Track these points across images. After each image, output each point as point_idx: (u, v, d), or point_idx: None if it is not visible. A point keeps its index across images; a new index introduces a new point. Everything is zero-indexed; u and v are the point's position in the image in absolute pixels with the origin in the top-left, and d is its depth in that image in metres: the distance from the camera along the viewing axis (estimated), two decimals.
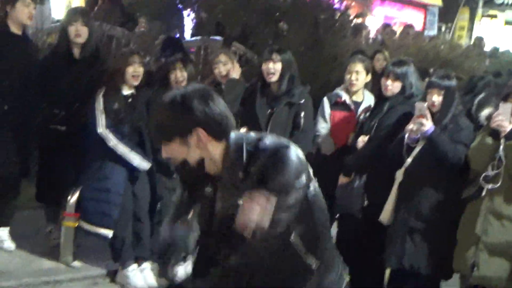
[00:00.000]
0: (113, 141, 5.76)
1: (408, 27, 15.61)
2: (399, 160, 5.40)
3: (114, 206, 5.77)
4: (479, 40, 18.17)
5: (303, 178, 2.64)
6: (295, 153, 2.65)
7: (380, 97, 5.94)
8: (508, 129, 4.99)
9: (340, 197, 6.14)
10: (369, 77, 6.62)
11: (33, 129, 6.08)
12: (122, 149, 5.78)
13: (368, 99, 6.52)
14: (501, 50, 19.18)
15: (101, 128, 5.76)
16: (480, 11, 27.04)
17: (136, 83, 5.94)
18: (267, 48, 6.50)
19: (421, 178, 5.29)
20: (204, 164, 2.75)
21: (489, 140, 5.09)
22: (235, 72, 6.44)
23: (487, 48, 17.64)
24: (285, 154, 2.61)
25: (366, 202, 5.84)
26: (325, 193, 2.90)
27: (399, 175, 5.39)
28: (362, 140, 5.87)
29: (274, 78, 6.15)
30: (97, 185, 5.80)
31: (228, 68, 6.46)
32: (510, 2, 26.25)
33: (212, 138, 2.67)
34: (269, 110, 6.16)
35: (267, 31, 8.33)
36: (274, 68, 6.14)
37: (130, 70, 5.89)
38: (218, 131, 2.68)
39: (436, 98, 5.36)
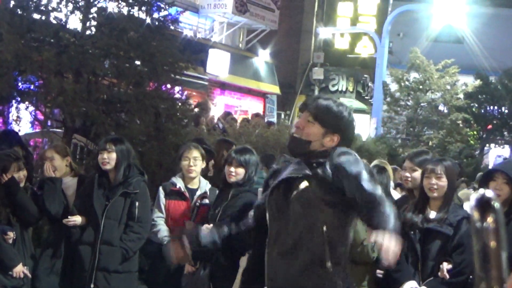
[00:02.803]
0: None
1: (256, 116, 16.02)
2: (243, 247, 5.49)
3: None
4: None
5: None
6: None
7: (224, 185, 6.08)
8: None
9: (186, 286, 6.17)
10: (204, 164, 6.80)
11: None
12: None
13: (203, 186, 6.68)
14: None
15: None
16: None
17: None
18: (102, 139, 6.62)
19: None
20: None
21: None
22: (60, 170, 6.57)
23: None
24: None
25: None
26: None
27: (242, 262, 5.48)
28: (206, 227, 5.93)
29: (109, 167, 6.28)
30: None
31: (56, 164, 6.54)
32: (342, 89, 27.53)
33: None
34: (105, 201, 6.28)
35: (109, 121, 8.32)
36: (108, 157, 6.27)
37: None
38: None
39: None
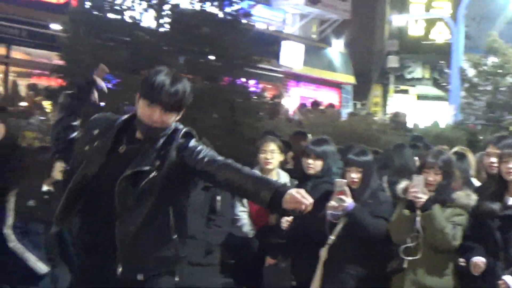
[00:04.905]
0: (12, 241, 5.81)
1: (326, 106, 15.94)
2: (323, 237, 5.48)
3: None
4: (397, 115, 18.70)
5: None
6: None
7: (303, 177, 6.04)
8: (423, 200, 5.14)
9: (267, 278, 6.16)
10: (282, 156, 6.71)
11: None
12: (19, 249, 5.81)
13: (282, 178, 6.56)
14: (416, 122, 19.74)
15: (6, 228, 5.81)
16: (392, 87, 27.77)
17: None
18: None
19: (345, 255, 5.36)
20: None
21: (406, 212, 5.22)
22: None
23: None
24: None
25: (293, 283, 5.88)
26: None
27: (323, 253, 5.44)
28: (286, 220, 5.92)
29: None
30: None
31: None
32: (418, 76, 27.14)
33: None
34: None
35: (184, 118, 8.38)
36: None
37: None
38: None
39: (355, 175, 5.48)
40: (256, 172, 4.24)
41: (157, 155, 3.68)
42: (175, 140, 3.71)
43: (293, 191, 3.47)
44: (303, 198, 3.44)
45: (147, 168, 3.66)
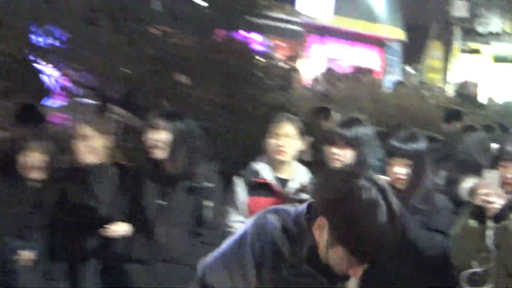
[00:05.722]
0: None
1: (362, 71, 15.92)
2: None
3: None
4: (464, 85, 18.61)
5: None
6: None
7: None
8: (498, 206, 5.08)
9: None
10: (303, 145, 6.60)
11: None
12: None
13: (300, 175, 6.50)
14: (492, 95, 19.68)
15: None
16: (457, 44, 27.80)
17: None
18: (153, 111, 6.54)
19: (384, 285, 5.29)
20: None
21: (473, 223, 5.18)
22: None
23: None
24: None
25: None
26: None
27: (352, 284, 5.33)
28: None
29: (160, 154, 6.19)
30: None
31: (93, 145, 6.48)
32: (496, 30, 27.10)
33: None
34: (161, 201, 6.18)
35: (161, 87, 8.32)
36: (160, 139, 6.17)
37: None
38: None
39: (401, 170, 5.47)
40: None
41: None
42: None
43: None
44: None
45: None
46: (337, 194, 3.18)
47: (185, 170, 6.24)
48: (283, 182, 6.49)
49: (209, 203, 6.18)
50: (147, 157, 6.33)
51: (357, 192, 3.12)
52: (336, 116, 8.02)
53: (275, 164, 6.48)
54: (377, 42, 23.30)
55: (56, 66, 8.91)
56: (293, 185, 6.45)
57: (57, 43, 8.78)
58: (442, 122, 10.23)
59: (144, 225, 6.21)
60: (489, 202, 5.06)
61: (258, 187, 6.49)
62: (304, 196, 6.33)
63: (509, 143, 5.39)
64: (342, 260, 3.24)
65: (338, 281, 3.42)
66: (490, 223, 5.09)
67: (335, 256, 3.25)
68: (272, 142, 6.47)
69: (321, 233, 3.23)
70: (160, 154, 6.21)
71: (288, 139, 6.45)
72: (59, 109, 9.04)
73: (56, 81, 9.12)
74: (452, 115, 10.46)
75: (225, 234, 6.20)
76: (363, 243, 3.16)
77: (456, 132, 7.01)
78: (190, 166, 6.24)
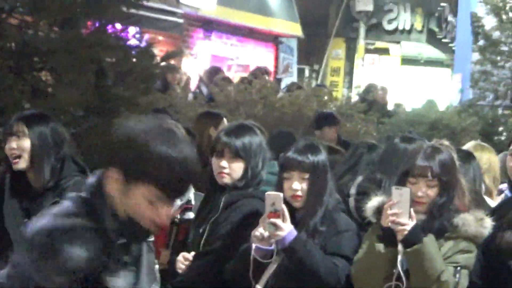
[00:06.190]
0: None
1: (253, 71, 15.92)
2: (245, 285, 5.52)
3: None
4: (370, 89, 18.86)
5: None
6: None
7: (212, 188, 6.07)
8: (407, 228, 5.20)
9: None
10: None
11: None
12: None
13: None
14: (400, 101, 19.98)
15: None
16: (361, 43, 27.99)
17: None
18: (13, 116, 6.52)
19: None
20: None
21: (380, 247, 5.30)
22: None
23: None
24: None
25: None
26: None
27: None
28: (184, 258, 5.92)
29: (21, 163, 6.17)
30: None
31: None
32: (405, 27, 27.45)
33: None
34: (24, 219, 6.12)
35: (21, 86, 8.28)
36: (19, 147, 6.16)
37: None
38: None
39: (298, 185, 5.54)
40: None
41: None
42: None
43: None
44: None
45: None
46: (122, 136, 3.58)
47: (52, 183, 6.19)
48: None
49: None
50: (10, 167, 6.28)
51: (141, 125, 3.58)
52: (225, 122, 8.09)
53: None
54: (271, 38, 23.31)
55: None
56: (177, 202, 6.38)
57: None
58: (313, 129, 10.29)
59: (4, 245, 6.08)
60: (398, 224, 5.14)
61: None
62: (191, 214, 6.48)
63: (418, 157, 5.37)
64: (145, 204, 3.58)
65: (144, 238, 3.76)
66: (399, 248, 5.17)
67: (135, 202, 3.59)
68: None
69: (114, 186, 3.59)
70: (20, 163, 6.16)
71: None
72: None
73: None
74: (324, 119, 10.53)
75: None
76: (163, 170, 3.53)
77: (360, 145, 7.12)
78: (56, 178, 6.20)
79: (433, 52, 27.89)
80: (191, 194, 6.64)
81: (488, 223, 5.38)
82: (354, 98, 19.27)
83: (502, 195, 7.28)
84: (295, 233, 5.36)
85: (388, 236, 5.26)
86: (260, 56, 22.74)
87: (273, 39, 23.36)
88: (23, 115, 6.49)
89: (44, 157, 6.21)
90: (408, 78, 28.30)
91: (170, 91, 11.58)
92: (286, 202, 5.42)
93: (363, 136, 11.50)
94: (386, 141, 7.15)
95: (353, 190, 6.36)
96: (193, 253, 5.90)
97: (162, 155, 3.51)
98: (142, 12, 10.43)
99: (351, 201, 6.36)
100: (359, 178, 6.56)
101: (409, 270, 5.22)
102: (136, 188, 3.56)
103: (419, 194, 5.34)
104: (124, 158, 3.54)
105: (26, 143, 6.17)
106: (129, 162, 3.52)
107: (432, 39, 27.58)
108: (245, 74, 16.71)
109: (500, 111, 20.28)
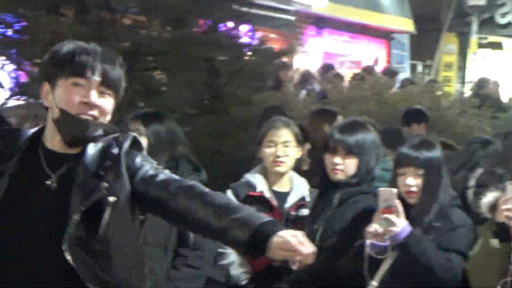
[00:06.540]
0: None
1: (366, 68, 15.89)
2: (359, 282, 5.49)
3: None
4: (482, 83, 18.67)
5: None
6: None
7: (325, 185, 6.05)
8: None
9: None
10: (300, 152, 6.70)
11: None
12: None
13: (299, 188, 6.57)
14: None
15: None
16: (474, 37, 27.75)
17: None
18: (130, 113, 6.60)
19: None
20: None
21: (495, 242, 5.24)
22: None
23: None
24: None
25: None
26: None
27: None
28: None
29: None
30: None
31: None
32: None
33: None
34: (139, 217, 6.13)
35: (135, 85, 8.36)
36: None
37: None
38: None
39: (412, 181, 5.50)
40: (231, 199, 4.44)
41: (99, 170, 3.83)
42: (119, 147, 3.89)
43: (285, 234, 3.57)
44: (301, 245, 3.54)
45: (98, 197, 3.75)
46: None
47: None
48: (280, 195, 6.53)
49: None
50: None
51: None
52: (339, 119, 8.07)
53: (270, 176, 6.52)
54: (383, 35, 23.26)
55: (10, 59, 8.96)
56: (292, 199, 6.50)
57: (9, 33, 8.88)
58: (402, 126, 10.19)
59: None
60: None
61: (253, 201, 6.37)
62: (305, 211, 6.48)
63: None
64: (69, 92, 3.79)
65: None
66: None
67: (62, 96, 3.81)
68: (267, 151, 6.47)
69: (49, 97, 3.86)
70: None
71: (285, 148, 6.47)
72: (16, 109, 9.03)
73: (10, 76, 9.12)
74: (412, 116, 10.43)
75: (212, 256, 6.38)
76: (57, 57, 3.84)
77: (477, 140, 7.02)
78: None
79: None
80: (305, 190, 6.60)
81: None
82: (467, 93, 19.11)
83: None
84: (409, 228, 5.32)
85: (503, 231, 5.18)
86: (372, 52, 22.68)
87: (385, 35, 23.29)
88: (140, 113, 6.58)
89: (160, 154, 6.17)
90: None
91: (283, 89, 11.55)
92: (400, 198, 5.38)
93: (476, 132, 11.33)
94: (504, 137, 7.01)
95: (472, 182, 6.25)
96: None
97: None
98: (253, 10, 10.41)
99: (470, 193, 6.25)
100: (479, 171, 6.44)
101: None
102: (57, 86, 3.79)
103: None
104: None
105: (143, 141, 6.17)
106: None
107: None
108: (358, 71, 16.66)
109: None
